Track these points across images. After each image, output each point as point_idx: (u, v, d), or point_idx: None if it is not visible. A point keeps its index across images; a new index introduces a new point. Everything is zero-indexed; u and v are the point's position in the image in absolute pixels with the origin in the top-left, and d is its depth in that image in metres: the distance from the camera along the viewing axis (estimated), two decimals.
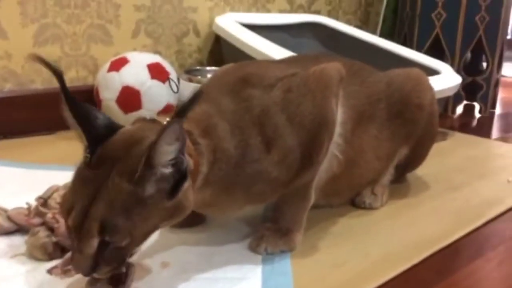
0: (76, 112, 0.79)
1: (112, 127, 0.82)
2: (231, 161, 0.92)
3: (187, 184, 0.80)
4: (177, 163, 0.77)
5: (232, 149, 0.92)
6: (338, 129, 1.07)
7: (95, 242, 0.75)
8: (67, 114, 0.79)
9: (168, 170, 0.77)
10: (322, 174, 1.09)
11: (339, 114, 1.08)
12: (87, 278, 0.87)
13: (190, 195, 0.83)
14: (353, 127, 1.12)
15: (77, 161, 1.28)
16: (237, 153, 0.93)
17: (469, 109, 2.49)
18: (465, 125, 2.29)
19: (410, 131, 1.27)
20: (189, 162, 0.81)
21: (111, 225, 0.74)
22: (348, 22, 2.74)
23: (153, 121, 0.88)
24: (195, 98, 0.72)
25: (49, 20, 1.79)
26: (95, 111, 0.83)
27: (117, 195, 0.75)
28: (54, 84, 1.94)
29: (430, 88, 1.32)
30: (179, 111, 0.72)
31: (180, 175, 0.79)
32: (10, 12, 1.71)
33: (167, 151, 0.75)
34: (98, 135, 0.80)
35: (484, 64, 2.42)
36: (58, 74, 0.78)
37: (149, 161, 0.74)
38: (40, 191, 1.10)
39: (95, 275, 0.78)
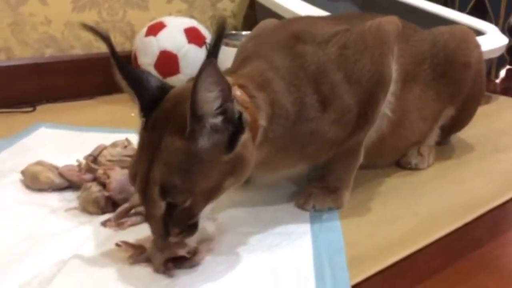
0: (128, 76, 0.79)
1: (164, 88, 0.81)
2: (289, 118, 0.90)
3: (245, 136, 0.78)
4: (226, 112, 0.75)
5: (289, 106, 0.90)
6: (391, 87, 1.04)
7: (161, 205, 0.75)
8: (119, 78, 0.79)
9: (218, 120, 0.75)
10: (372, 133, 1.07)
11: (393, 71, 1.04)
12: (141, 231, 0.90)
13: (251, 147, 0.81)
14: (400, 86, 1.09)
15: (118, 124, 1.30)
16: (294, 110, 0.91)
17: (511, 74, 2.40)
18: (508, 89, 2.21)
19: (456, 90, 1.23)
20: (244, 113, 0.79)
21: (170, 186, 0.73)
22: None
23: None
24: (221, 33, 0.69)
25: None
26: (146, 74, 0.82)
27: (171, 155, 0.74)
28: (94, 49, 1.96)
29: (477, 45, 1.27)
30: (209, 52, 0.69)
31: (234, 127, 0.77)
32: None
33: (209, 98, 0.72)
34: (151, 98, 0.79)
35: None
36: (107, 40, 0.77)
37: (194, 111, 0.72)
38: (86, 151, 1.13)
39: (170, 239, 0.78)
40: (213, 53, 0.69)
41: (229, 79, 0.78)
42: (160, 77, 1.71)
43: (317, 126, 0.93)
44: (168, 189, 0.73)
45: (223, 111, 0.75)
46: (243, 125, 0.78)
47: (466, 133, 1.43)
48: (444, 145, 1.39)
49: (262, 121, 0.86)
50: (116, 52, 0.78)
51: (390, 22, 1.04)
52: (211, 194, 0.78)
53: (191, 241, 0.81)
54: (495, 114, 1.73)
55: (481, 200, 1.09)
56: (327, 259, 0.85)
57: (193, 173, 0.74)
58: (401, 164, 1.26)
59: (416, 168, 1.24)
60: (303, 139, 0.93)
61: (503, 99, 1.96)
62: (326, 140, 0.95)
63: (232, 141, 0.77)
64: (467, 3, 2.26)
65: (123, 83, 0.80)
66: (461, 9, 2.24)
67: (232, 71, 0.92)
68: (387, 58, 1.00)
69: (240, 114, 0.77)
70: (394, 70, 1.05)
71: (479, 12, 2.22)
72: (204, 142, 0.75)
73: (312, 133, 0.93)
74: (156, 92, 0.80)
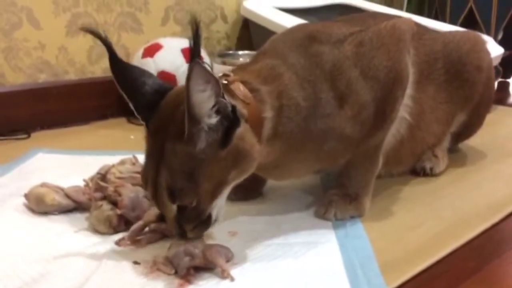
0: (122, 79, 0.81)
1: (162, 91, 0.82)
2: (300, 112, 0.89)
3: (241, 129, 0.78)
4: (220, 109, 0.75)
5: (300, 99, 0.89)
6: (408, 90, 1.02)
7: (172, 208, 0.77)
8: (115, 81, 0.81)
9: (214, 120, 0.75)
10: (390, 139, 1.04)
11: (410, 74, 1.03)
12: (157, 248, 0.87)
13: (250, 139, 0.80)
14: (416, 87, 1.07)
15: (117, 147, 1.25)
16: (307, 105, 0.89)
17: (503, 87, 2.43)
18: (502, 100, 2.22)
19: (468, 95, 1.22)
20: (238, 106, 0.78)
21: (177, 190, 0.75)
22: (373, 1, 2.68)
23: None
24: (197, 31, 0.70)
25: (81, 10, 1.77)
26: (144, 76, 0.82)
27: (173, 160, 0.75)
28: (88, 74, 1.91)
29: (487, 51, 1.27)
30: (192, 54, 0.70)
31: (229, 121, 0.77)
32: (43, 1, 1.69)
33: (203, 99, 0.72)
34: (147, 102, 0.80)
35: None
36: (106, 42, 0.81)
37: (191, 113, 0.72)
38: (90, 173, 1.07)
39: (188, 235, 0.79)
40: (195, 54, 0.70)
41: (232, 76, 0.83)
42: None
43: (333, 122, 0.92)
44: (175, 193, 0.75)
45: (218, 109, 0.75)
46: (238, 118, 0.78)
47: (475, 141, 1.42)
48: (454, 153, 1.37)
49: (267, 113, 0.86)
50: (115, 54, 0.80)
51: (405, 23, 1.03)
52: (216, 190, 0.79)
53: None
54: (498, 122, 1.73)
55: (503, 202, 1.07)
56: (359, 266, 0.81)
57: (196, 174, 0.75)
58: (415, 169, 1.23)
59: (431, 172, 1.22)
60: (318, 136, 0.92)
61: (501, 109, 1.97)
62: (343, 137, 0.93)
63: (227, 136, 0.77)
64: (458, 16, 2.30)
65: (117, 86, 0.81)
66: (452, 22, 2.27)
67: (242, 68, 0.94)
68: (404, 55, 0.99)
69: (234, 108, 0.78)
70: (411, 72, 1.03)
71: (470, 24, 2.25)
72: (202, 143, 0.76)
73: (328, 129, 0.92)
74: (152, 97, 0.81)
